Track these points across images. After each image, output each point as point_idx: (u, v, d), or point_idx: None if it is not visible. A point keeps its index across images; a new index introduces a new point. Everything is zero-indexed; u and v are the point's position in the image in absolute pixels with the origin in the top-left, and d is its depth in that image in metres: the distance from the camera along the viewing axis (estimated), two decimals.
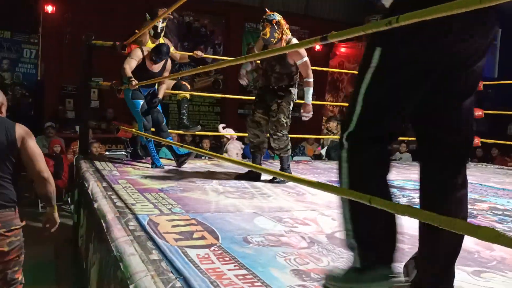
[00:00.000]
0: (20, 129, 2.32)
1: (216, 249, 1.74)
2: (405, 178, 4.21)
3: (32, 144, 2.35)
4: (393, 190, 3.38)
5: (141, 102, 3.92)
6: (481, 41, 1.19)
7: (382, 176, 1.26)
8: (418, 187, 3.49)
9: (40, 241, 4.09)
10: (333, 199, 2.86)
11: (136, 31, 3.93)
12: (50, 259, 4.24)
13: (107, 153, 6.72)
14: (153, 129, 4.09)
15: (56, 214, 2.40)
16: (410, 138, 8.79)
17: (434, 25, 1.01)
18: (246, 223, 2.16)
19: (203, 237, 1.88)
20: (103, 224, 2.06)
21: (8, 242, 2.25)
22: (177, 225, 2.03)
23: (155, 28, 3.96)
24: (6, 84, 8.31)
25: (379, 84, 1.22)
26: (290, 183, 3.41)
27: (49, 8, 8.29)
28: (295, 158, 7.79)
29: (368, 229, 1.25)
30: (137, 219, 2.08)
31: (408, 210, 0.85)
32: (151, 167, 3.97)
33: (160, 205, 2.43)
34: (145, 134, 3.99)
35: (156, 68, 4.00)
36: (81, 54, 4.34)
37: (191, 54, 4.97)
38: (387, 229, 1.27)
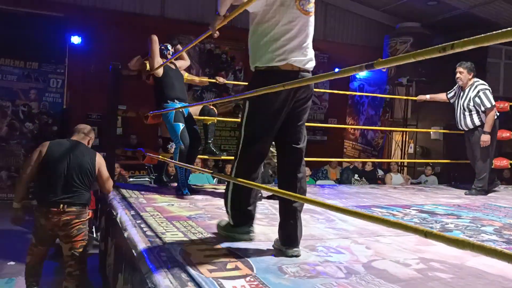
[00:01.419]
0: (99, 159, 3.54)
1: (252, 279, 1.69)
2: (434, 203, 4.10)
3: (104, 171, 3.56)
4: (424, 215, 3.27)
5: (182, 126, 3.92)
6: (304, 95, 2.17)
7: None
8: (449, 212, 3.47)
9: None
10: (365, 226, 2.80)
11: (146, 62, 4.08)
12: None
13: (130, 179, 6.77)
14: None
15: None
16: (435, 161, 8.62)
17: (271, 94, 2.00)
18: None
19: (237, 268, 1.84)
20: (135, 254, 2.04)
21: (77, 228, 3.35)
22: (210, 255, 2.00)
23: (165, 48, 4.12)
24: (33, 113, 8.54)
25: (252, 119, 2.16)
26: (319, 209, 3.35)
27: (75, 39, 8.57)
28: (318, 182, 7.72)
29: (240, 204, 2.24)
30: (169, 249, 2.06)
31: (469, 245, 0.81)
32: (176, 194, 3.96)
33: (190, 234, 2.40)
34: (168, 159, 4.00)
35: (172, 65, 4.19)
36: (109, 82, 4.42)
37: (213, 80, 5.05)
38: (252, 205, 2.27)
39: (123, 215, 2.88)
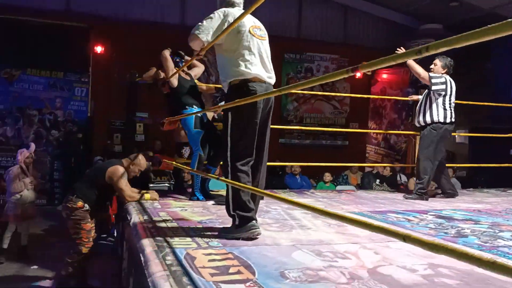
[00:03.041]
0: (111, 169, 3.89)
1: (252, 284, 1.70)
2: (453, 208, 4.01)
3: (116, 180, 3.83)
4: (440, 221, 3.20)
5: (202, 132, 3.96)
6: (267, 110, 2.64)
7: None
8: (468, 217, 3.42)
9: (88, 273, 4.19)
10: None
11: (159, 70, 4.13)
12: None
13: (151, 185, 6.87)
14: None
15: (149, 196, 3.86)
16: (460, 165, 8.41)
17: (249, 105, 2.41)
18: (284, 257, 2.11)
19: (239, 272, 1.84)
20: (142, 258, 2.08)
21: (65, 212, 3.89)
22: (214, 260, 2.01)
23: (179, 61, 4.17)
24: (59, 121, 8.79)
25: (236, 127, 2.52)
26: None
27: (98, 49, 8.79)
28: (338, 187, 7.64)
29: (241, 205, 2.44)
30: (175, 253, 2.08)
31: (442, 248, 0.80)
32: (190, 199, 3.99)
33: (198, 238, 2.43)
34: (185, 167, 4.05)
35: (187, 77, 4.22)
36: (127, 91, 4.52)
37: (219, 86, 5.03)
38: (250, 204, 2.47)
39: (136, 220, 2.93)
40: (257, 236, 2.45)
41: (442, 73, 4.60)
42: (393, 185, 7.33)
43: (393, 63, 1.02)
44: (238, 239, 2.41)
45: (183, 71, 4.17)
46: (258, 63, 2.60)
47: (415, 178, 4.69)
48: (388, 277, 1.86)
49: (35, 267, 4.78)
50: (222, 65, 2.68)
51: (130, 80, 4.51)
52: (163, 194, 4.40)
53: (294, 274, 1.84)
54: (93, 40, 8.74)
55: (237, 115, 2.52)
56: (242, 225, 2.43)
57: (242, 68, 2.55)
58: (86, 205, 3.90)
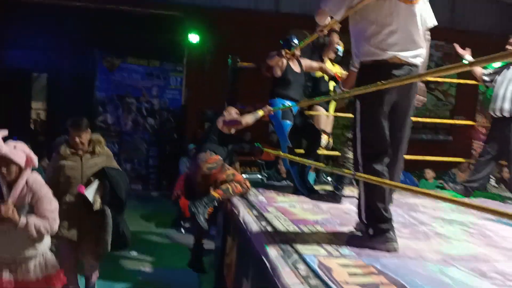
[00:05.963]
0: (218, 121, 3.70)
1: None
2: None
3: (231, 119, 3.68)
4: None
5: (290, 124, 3.73)
6: (407, 98, 2.19)
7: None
8: None
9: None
10: None
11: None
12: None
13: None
14: (300, 150, 3.85)
15: (262, 112, 3.67)
16: None
17: (378, 91, 1.92)
18: (441, 276, 1.71)
19: None
20: (267, 264, 1.80)
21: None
22: (355, 274, 1.67)
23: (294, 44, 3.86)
24: (154, 110, 9.01)
25: (366, 118, 2.11)
26: (464, 220, 2.84)
27: (193, 38, 8.82)
28: None
29: (377, 214, 2.05)
30: (305, 261, 1.78)
31: None
32: (292, 193, 3.71)
33: (323, 243, 2.10)
34: (290, 156, 3.77)
35: (297, 68, 3.92)
36: (228, 77, 4.34)
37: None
38: (387, 213, 2.06)
39: (245, 215, 2.69)
40: (393, 252, 2.02)
41: None
42: None
43: None
44: (371, 248, 2.04)
45: (298, 65, 3.92)
46: (400, 38, 2.05)
47: None
48: None
49: (135, 253, 4.82)
50: (355, 37, 2.19)
51: (232, 67, 4.29)
52: (261, 185, 4.15)
53: None
54: (188, 29, 8.80)
55: (368, 104, 2.08)
56: (377, 236, 2.05)
57: (378, 46, 2.05)
58: (221, 158, 3.65)
